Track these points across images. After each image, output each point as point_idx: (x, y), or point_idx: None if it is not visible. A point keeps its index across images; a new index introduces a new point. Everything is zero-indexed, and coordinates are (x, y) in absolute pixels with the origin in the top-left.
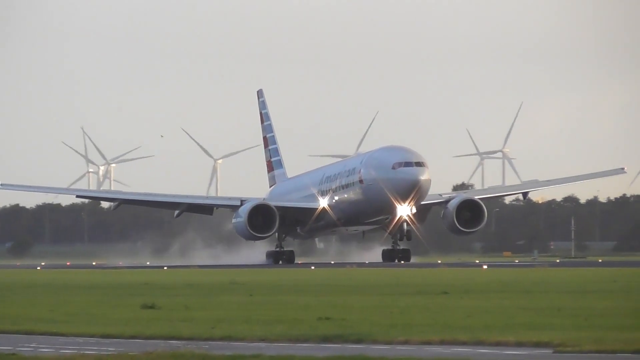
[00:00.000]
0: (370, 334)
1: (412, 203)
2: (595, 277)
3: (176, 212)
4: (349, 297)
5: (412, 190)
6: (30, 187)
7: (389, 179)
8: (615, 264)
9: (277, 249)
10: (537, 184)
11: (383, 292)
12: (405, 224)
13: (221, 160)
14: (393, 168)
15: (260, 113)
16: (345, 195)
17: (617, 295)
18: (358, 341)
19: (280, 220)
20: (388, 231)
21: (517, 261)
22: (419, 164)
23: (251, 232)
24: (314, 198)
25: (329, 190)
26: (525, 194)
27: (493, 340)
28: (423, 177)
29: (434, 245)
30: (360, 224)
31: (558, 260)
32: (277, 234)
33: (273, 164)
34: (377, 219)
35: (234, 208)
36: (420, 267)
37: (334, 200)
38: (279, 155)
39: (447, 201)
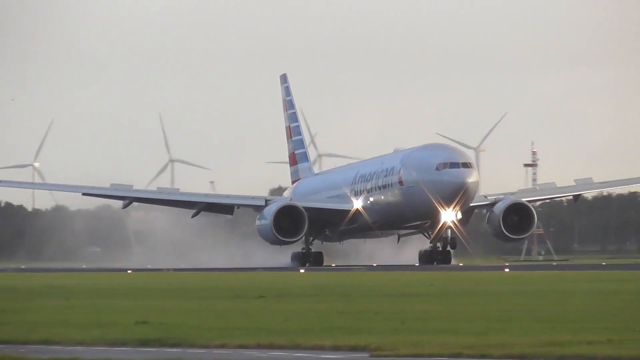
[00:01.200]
0: (187, 338)
1: (457, 208)
2: (412, 281)
3: (194, 211)
4: (168, 301)
5: (457, 194)
6: (29, 183)
7: (432, 181)
8: (433, 267)
9: (304, 251)
10: (590, 185)
11: (201, 296)
12: (449, 231)
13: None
14: (437, 169)
15: (284, 100)
16: (382, 197)
17: (433, 298)
18: (175, 345)
19: (309, 222)
20: (430, 238)
21: (333, 265)
22: (466, 165)
23: (277, 236)
24: (346, 198)
25: (364, 190)
26: (577, 196)
27: (310, 344)
28: (470, 179)
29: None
30: (397, 228)
31: (375, 265)
32: (304, 236)
33: (297, 157)
34: (417, 223)
35: (258, 208)
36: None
37: (368, 202)
38: (304, 148)
39: (492, 204)
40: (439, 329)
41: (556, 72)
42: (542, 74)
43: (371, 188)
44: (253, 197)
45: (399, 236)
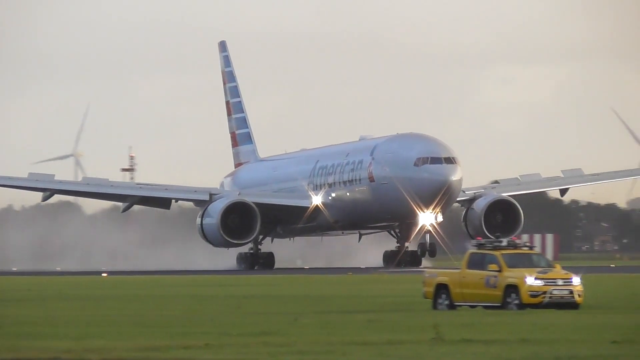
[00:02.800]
0: None
1: (437, 209)
2: (9, 285)
3: (124, 205)
4: None
5: (439, 193)
6: None
7: (409, 179)
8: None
9: (252, 252)
10: (580, 178)
11: None
12: (427, 235)
13: None
14: (415, 165)
15: (222, 72)
16: (348, 194)
17: (30, 303)
18: None
19: (260, 220)
20: (405, 245)
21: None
22: (449, 160)
23: (226, 237)
24: (302, 193)
25: (325, 184)
26: (564, 190)
27: None
28: (455, 177)
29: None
30: (362, 227)
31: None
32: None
33: (238, 138)
34: (387, 224)
35: (201, 203)
36: None
37: (330, 198)
38: (247, 127)
39: (471, 199)
40: (36, 333)
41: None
42: None
43: (334, 182)
44: (196, 190)
45: (361, 235)
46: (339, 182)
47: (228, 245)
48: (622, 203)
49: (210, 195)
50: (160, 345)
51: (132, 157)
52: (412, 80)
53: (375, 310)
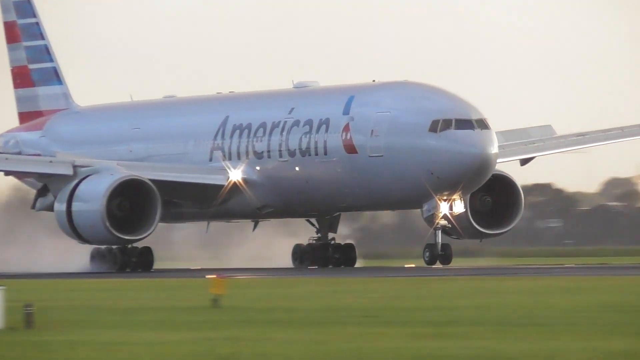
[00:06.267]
0: None
1: (457, 196)
2: None
3: None
4: None
5: (470, 172)
6: None
7: (423, 152)
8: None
9: (120, 247)
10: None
11: None
12: (439, 234)
13: None
14: (432, 130)
15: None
16: (298, 169)
17: None
18: None
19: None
20: (329, 236)
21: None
22: (482, 124)
23: (113, 232)
24: (205, 165)
25: (250, 152)
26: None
27: None
28: (493, 149)
29: None
30: (301, 216)
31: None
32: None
33: (34, 76)
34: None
35: (60, 180)
36: None
37: (259, 173)
38: (52, 60)
39: None
40: None
41: None
42: None
43: (268, 150)
44: (51, 161)
45: (257, 222)
46: (281, 150)
47: (116, 242)
48: None
49: (74, 167)
50: None
51: None
52: None
53: None
